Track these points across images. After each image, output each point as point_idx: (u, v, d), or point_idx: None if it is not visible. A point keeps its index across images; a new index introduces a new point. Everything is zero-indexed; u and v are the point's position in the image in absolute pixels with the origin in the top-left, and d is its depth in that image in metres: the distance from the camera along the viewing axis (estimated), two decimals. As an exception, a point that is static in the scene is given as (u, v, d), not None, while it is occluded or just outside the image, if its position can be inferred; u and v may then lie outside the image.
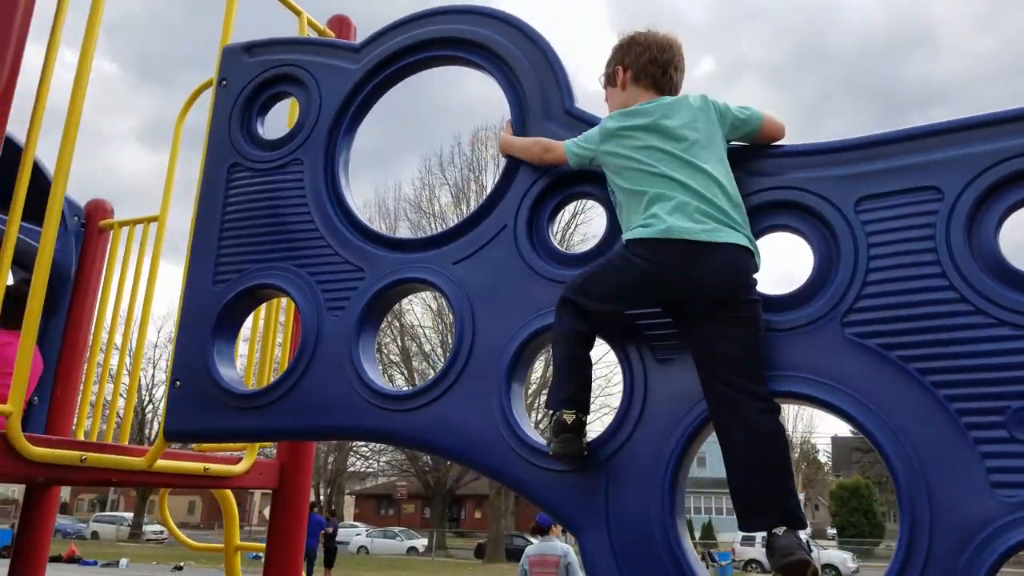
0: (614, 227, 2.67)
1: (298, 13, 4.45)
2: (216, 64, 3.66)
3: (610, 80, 2.74)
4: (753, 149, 2.56)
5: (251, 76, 3.53)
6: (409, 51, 3.26)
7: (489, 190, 2.95)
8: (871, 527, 48.09)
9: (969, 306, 2.14)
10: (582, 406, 2.36)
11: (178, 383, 3.18)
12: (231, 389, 3.07)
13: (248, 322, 3.64)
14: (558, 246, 2.80)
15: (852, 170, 2.38)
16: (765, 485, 2.11)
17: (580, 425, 2.35)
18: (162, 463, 3.35)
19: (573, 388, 2.37)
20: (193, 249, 3.37)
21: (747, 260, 2.32)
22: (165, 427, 3.17)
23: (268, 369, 4.06)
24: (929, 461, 2.08)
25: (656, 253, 2.30)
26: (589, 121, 2.80)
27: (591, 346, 2.44)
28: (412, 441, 2.80)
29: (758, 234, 2.50)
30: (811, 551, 2.14)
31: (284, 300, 4.22)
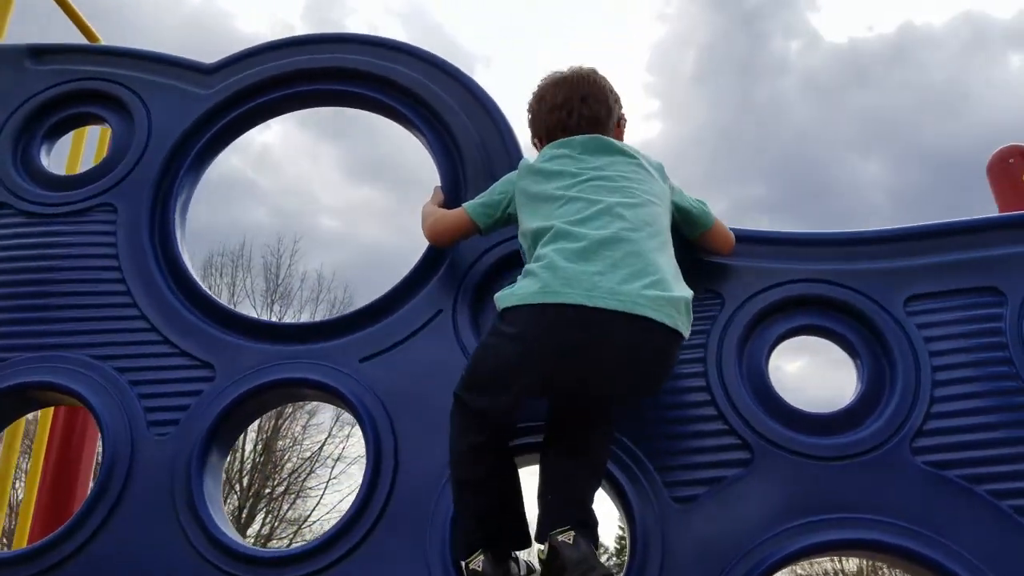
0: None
1: (93, 40, 3.43)
2: (-21, 68, 2.55)
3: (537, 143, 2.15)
4: (754, 237, 2.10)
5: (37, 88, 2.48)
6: (291, 79, 2.46)
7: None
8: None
9: (1061, 429, 1.78)
10: (495, 540, 1.66)
11: None
12: (-40, 555, 1.84)
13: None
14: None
15: (893, 264, 2.00)
16: (582, 485, 1.67)
17: (501, 565, 1.64)
18: None
19: (475, 523, 1.67)
20: (-92, 326, 2.13)
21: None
22: None
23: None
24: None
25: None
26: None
27: (500, 463, 1.73)
28: (296, 633, 1.80)
29: (775, 342, 2.00)
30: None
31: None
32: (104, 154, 3.35)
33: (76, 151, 2.94)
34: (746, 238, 2.08)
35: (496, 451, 1.71)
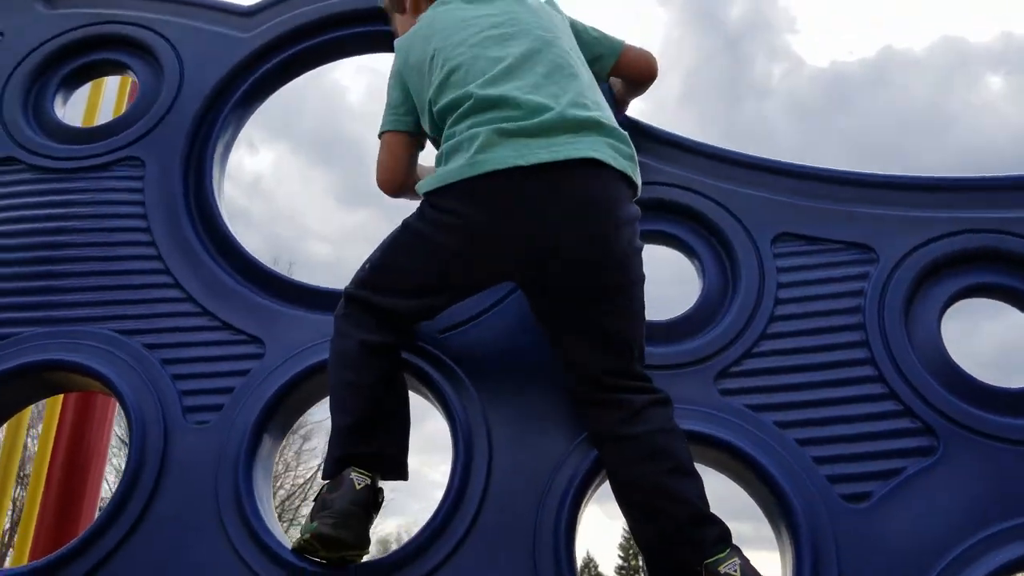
0: (711, 286, 1.71)
1: None
2: (-17, 11, 2.23)
3: (397, 4, 1.89)
4: (907, 183, 1.75)
5: (51, 33, 2.16)
6: (342, 21, 2.13)
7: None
8: None
9: None
10: (382, 464, 1.43)
11: None
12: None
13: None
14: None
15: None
16: (689, 493, 1.30)
17: (374, 498, 1.37)
18: None
19: (361, 430, 1.41)
20: None
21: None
22: None
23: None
24: None
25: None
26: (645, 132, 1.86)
27: (395, 371, 1.51)
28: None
29: (946, 304, 1.65)
30: None
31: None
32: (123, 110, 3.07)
33: (94, 104, 2.61)
34: (896, 184, 1.74)
35: (394, 356, 1.50)
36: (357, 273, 1.55)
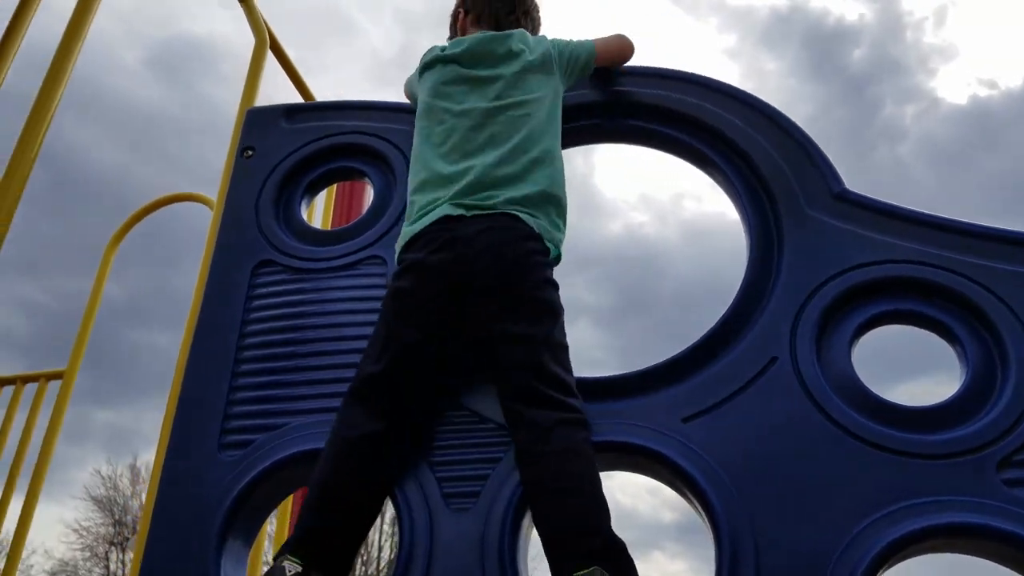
0: None
1: (308, 98, 3.42)
2: (234, 129, 2.52)
3: (450, 30, 2.29)
4: None
5: (295, 145, 2.39)
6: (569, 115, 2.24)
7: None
8: None
9: None
10: (318, 558, 1.48)
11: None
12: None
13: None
14: (878, 394, 1.67)
15: None
16: (577, 511, 1.44)
17: None
18: None
19: (309, 522, 1.54)
20: (184, 396, 2.01)
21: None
22: None
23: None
24: None
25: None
26: (869, 206, 1.84)
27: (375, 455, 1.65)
28: None
29: None
30: None
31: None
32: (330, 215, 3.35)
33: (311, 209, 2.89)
34: None
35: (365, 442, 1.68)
36: None
